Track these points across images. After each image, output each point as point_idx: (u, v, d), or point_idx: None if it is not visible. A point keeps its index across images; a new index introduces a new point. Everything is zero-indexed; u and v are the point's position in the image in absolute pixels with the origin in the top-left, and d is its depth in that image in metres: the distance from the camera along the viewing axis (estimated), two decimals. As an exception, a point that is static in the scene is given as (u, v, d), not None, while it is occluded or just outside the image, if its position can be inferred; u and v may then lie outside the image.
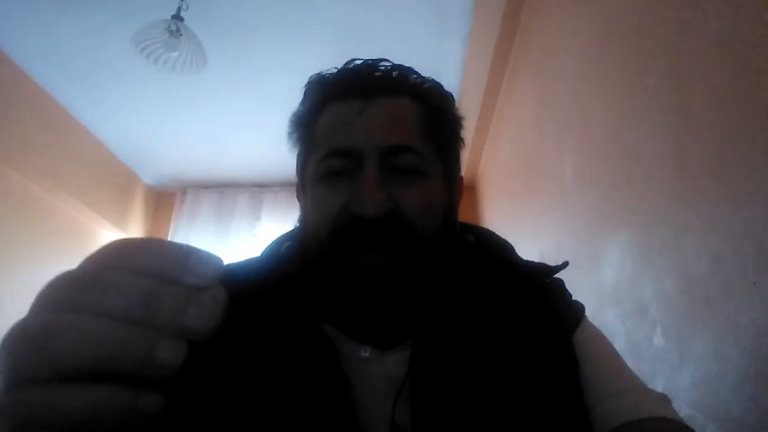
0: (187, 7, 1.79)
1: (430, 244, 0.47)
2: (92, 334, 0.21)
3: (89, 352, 0.20)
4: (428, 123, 0.51)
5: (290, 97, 0.57)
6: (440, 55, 2.24)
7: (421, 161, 0.48)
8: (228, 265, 0.54)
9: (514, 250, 0.55)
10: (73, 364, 0.20)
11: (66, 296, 0.22)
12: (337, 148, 0.48)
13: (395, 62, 0.54)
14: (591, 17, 1.21)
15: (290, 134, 0.56)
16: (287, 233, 0.59)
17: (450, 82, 2.15)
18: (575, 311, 0.52)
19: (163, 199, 3.36)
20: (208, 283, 0.23)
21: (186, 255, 0.23)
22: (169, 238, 3.15)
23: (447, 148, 0.54)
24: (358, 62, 0.53)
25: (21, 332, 0.21)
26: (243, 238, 3.12)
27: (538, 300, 0.50)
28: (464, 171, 2.60)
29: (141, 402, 0.21)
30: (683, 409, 0.76)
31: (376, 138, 0.47)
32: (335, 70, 0.53)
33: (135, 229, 3.16)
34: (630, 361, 0.50)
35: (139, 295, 0.22)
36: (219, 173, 3.17)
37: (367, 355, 0.47)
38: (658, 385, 0.85)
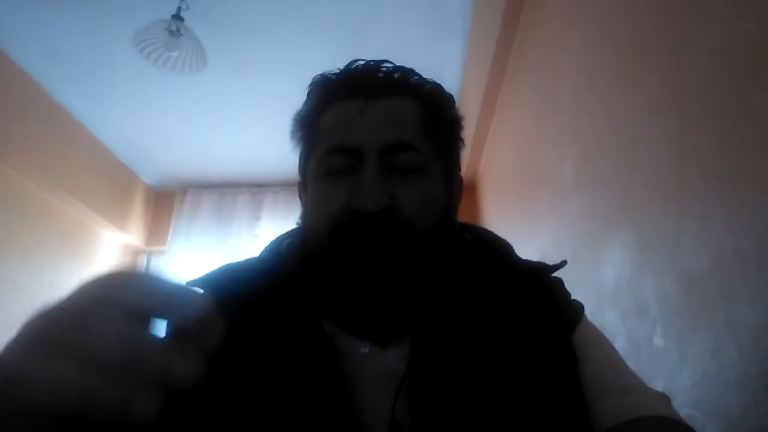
0: (187, 7, 1.79)
1: (427, 240, 0.47)
2: (64, 381, 0.19)
3: (57, 400, 0.19)
4: (428, 123, 0.51)
5: (290, 97, 0.58)
6: (440, 55, 2.24)
7: (421, 159, 0.49)
8: (228, 264, 0.54)
9: (512, 249, 0.56)
10: (38, 409, 0.19)
11: (45, 335, 0.20)
12: (337, 146, 0.49)
13: (396, 63, 0.54)
14: (591, 17, 1.21)
15: (293, 133, 0.57)
16: (288, 231, 0.59)
17: (450, 82, 2.14)
18: (575, 310, 0.52)
19: (163, 199, 3.36)
20: (194, 321, 0.22)
21: (173, 293, 0.22)
22: (169, 239, 3.16)
23: (447, 148, 0.54)
24: (361, 63, 0.54)
25: None
26: (243, 238, 3.12)
27: (536, 298, 0.50)
28: (464, 171, 2.60)
29: None
30: (683, 409, 0.76)
31: (376, 136, 0.48)
32: (338, 71, 0.54)
33: (135, 229, 3.17)
34: (630, 361, 0.50)
35: (122, 343, 0.20)
36: (219, 173, 3.17)
37: (366, 350, 0.47)
38: (658, 385, 0.85)
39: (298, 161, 0.57)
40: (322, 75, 0.55)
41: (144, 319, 0.22)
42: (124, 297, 0.21)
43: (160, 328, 0.23)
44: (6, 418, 0.19)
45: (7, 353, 0.20)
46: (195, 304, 0.22)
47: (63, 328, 0.20)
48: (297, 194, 0.59)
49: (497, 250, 0.55)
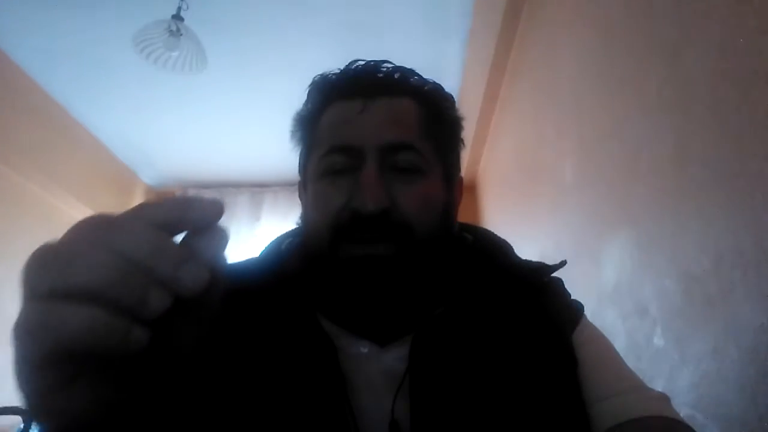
0: (187, 7, 1.79)
1: (427, 241, 0.47)
2: (101, 266, 0.24)
3: (96, 280, 0.23)
4: (429, 123, 0.51)
5: (290, 97, 0.57)
6: (440, 55, 2.24)
7: (421, 159, 0.49)
8: (228, 264, 0.54)
9: (512, 250, 0.56)
10: (81, 286, 0.23)
11: (91, 231, 0.25)
12: (338, 145, 0.49)
13: (396, 63, 0.54)
14: (591, 18, 1.21)
15: (293, 133, 0.57)
16: (288, 231, 0.59)
17: (450, 82, 2.15)
18: (574, 310, 0.52)
19: (163, 199, 3.36)
20: (209, 222, 0.27)
21: (189, 201, 0.27)
22: (169, 238, 3.16)
23: (447, 149, 0.54)
24: (361, 63, 0.54)
25: (47, 253, 0.25)
26: (243, 238, 3.11)
27: (535, 299, 0.50)
28: (464, 171, 2.59)
29: (134, 331, 0.24)
30: (683, 409, 0.76)
31: (376, 135, 0.48)
32: (338, 71, 0.54)
33: (135, 229, 3.16)
34: (630, 361, 0.50)
35: (148, 244, 0.25)
36: (219, 173, 3.17)
37: (366, 350, 0.47)
38: (658, 385, 0.85)
39: (298, 161, 0.57)
40: (322, 75, 0.55)
41: (170, 231, 0.26)
42: (153, 212, 0.26)
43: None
44: (55, 293, 0.23)
45: (62, 240, 0.25)
46: (208, 212, 0.27)
47: (102, 229, 0.25)
48: (297, 194, 0.59)
49: (497, 250, 0.55)
